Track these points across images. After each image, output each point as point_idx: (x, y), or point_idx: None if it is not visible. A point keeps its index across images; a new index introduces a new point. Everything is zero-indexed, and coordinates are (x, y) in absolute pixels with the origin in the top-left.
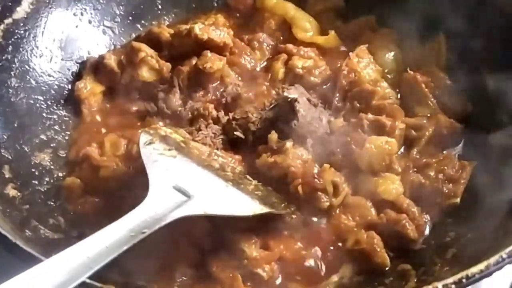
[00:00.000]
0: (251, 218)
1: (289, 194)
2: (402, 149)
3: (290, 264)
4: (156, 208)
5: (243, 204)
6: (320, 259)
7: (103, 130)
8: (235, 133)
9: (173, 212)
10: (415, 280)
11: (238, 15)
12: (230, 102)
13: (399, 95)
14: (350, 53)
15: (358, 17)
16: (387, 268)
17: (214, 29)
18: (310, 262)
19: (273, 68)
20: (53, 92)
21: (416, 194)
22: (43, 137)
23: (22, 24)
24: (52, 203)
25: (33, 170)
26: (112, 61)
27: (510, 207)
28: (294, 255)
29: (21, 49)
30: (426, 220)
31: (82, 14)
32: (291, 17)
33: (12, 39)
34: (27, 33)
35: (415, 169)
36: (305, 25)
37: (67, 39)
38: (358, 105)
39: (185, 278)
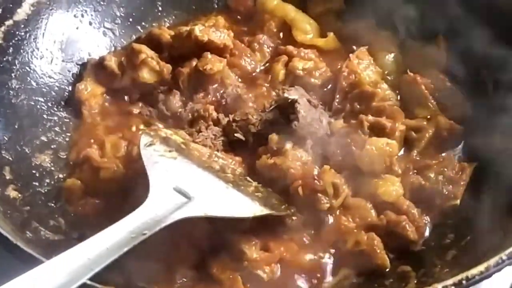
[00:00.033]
0: (251, 219)
1: (289, 196)
2: (402, 151)
3: (290, 265)
4: (156, 210)
5: (243, 205)
6: (320, 261)
7: (104, 132)
8: (235, 134)
9: (174, 213)
10: (415, 282)
11: (238, 16)
12: (230, 104)
13: (399, 97)
14: (350, 55)
15: (358, 19)
16: (387, 270)
17: (215, 30)
18: (310, 264)
19: (273, 70)
20: (53, 93)
21: (416, 196)
22: (43, 138)
23: (22, 26)
24: (52, 205)
25: (33, 171)
26: (112, 63)
27: (510, 208)
28: (294, 256)
29: (21, 50)
30: (426, 222)
31: (82, 15)
32: (291, 19)
33: (13, 41)
34: (27, 35)
35: (415, 171)
36: (305, 27)
37: (67, 41)
38: (358, 106)
39: (185, 280)
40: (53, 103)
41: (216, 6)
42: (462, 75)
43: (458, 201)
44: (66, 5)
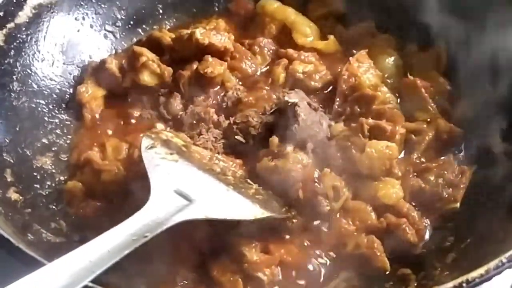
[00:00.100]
0: (252, 222)
1: (289, 198)
2: (402, 154)
3: (290, 268)
4: (157, 212)
5: (244, 208)
6: (321, 264)
7: (105, 134)
8: (236, 137)
9: (175, 216)
10: (415, 285)
11: (239, 20)
12: (231, 107)
13: (399, 100)
14: (351, 58)
15: (358, 22)
16: (387, 272)
17: (215, 33)
18: (311, 266)
19: (273, 73)
20: (54, 96)
21: (416, 199)
22: (44, 141)
23: (24, 29)
24: (53, 207)
25: (34, 174)
26: (113, 66)
27: (510, 211)
28: (294, 259)
29: (23, 53)
30: (426, 225)
31: (83, 18)
32: (292, 22)
33: (14, 44)
34: (29, 38)
35: (415, 174)
36: (306, 30)
37: (68, 44)
38: (358, 109)
39: (186, 282)
40: (54, 105)
41: (216, 9)
42: (462, 79)
43: (458, 204)
44: (67, 8)
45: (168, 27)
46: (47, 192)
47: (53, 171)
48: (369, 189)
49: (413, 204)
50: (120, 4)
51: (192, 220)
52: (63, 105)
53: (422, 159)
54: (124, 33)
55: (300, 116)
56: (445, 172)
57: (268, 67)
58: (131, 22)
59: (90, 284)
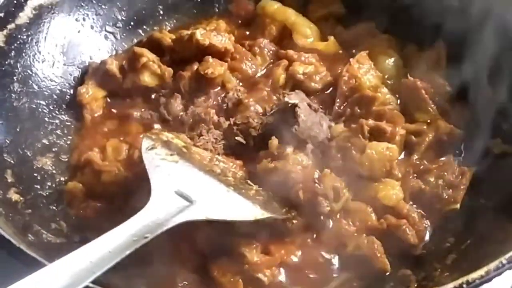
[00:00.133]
0: (252, 223)
1: (290, 199)
2: (402, 155)
3: (290, 269)
4: (158, 213)
5: (244, 209)
6: (321, 264)
7: (105, 135)
8: (236, 138)
9: (175, 217)
10: (416, 286)
11: (239, 21)
12: (231, 108)
13: (399, 101)
14: (351, 59)
15: (358, 23)
16: (387, 274)
17: (216, 34)
18: (311, 267)
19: (274, 74)
20: (55, 97)
21: (416, 200)
22: (45, 141)
23: (24, 30)
24: (54, 208)
25: (35, 174)
26: (114, 66)
27: (510, 213)
28: (294, 260)
29: (23, 54)
30: (426, 226)
31: (84, 19)
32: (292, 23)
33: (15, 44)
34: (29, 39)
35: (415, 175)
36: (306, 31)
37: (69, 44)
38: (358, 110)
39: (186, 283)
40: (55, 106)
41: (217, 10)
42: (462, 80)
43: (458, 205)
44: (68, 9)
45: (169, 28)
46: (47, 193)
47: (54, 171)
48: (369, 190)
49: (413, 205)
50: (120, 5)
51: (192, 221)
52: (64, 106)
53: (422, 160)
54: (124, 34)
55: (300, 117)
56: (445, 173)
57: (268, 68)
58: (132, 23)
59: (91, 285)
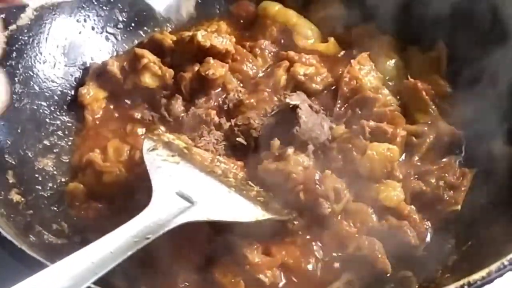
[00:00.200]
0: (253, 224)
1: (291, 200)
2: (403, 156)
3: (291, 270)
4: (159, 214)
5: (245, 210)
6: (322, 266)
7: (106, 136)
8: (237, 139)
9: (177, 218)
10: (417, 287)
11: (240, 22)
12: (232, 109)
13: (400, 102)
14: (352, 60)
15: (359, 24)
16: (388, 275)
17: (217, 36)
18: (312, 268)
19: (275, 75)
20: (56, 98)
21: (417, 201)
22: (46, 142)
23: (26, 31)
24: (55, 209)
25: (36, 175)
26: (115, 68)
27: (511, 214)
28: (295, 261)
29: (25, 55)
30: (427, 227)
31: (85, 20)
32: (293, 24)
33: (16, 45)
34: (31, 40)
35: (416, 176)
36: (307, 32)
37: (70, 46)
38: (359, 112)
39: (187, 284)
40: (56, 107)
41: (218, 12)
42: (463, 81)
43: (459, 207)
44: (69, 10)
45: (170, 29)
46: (48, 194)
47: (55, 172)
48: (370, 191)
49: (414, 206)
50: (121, 6)
51: (193, 222)
52: (65, 107)
53: (423, 162)
54: (125, 35)
55: (301, 118)
56: (446, 175)
57: (269, 69)
58: (133, 24)
59: (92, 286)
